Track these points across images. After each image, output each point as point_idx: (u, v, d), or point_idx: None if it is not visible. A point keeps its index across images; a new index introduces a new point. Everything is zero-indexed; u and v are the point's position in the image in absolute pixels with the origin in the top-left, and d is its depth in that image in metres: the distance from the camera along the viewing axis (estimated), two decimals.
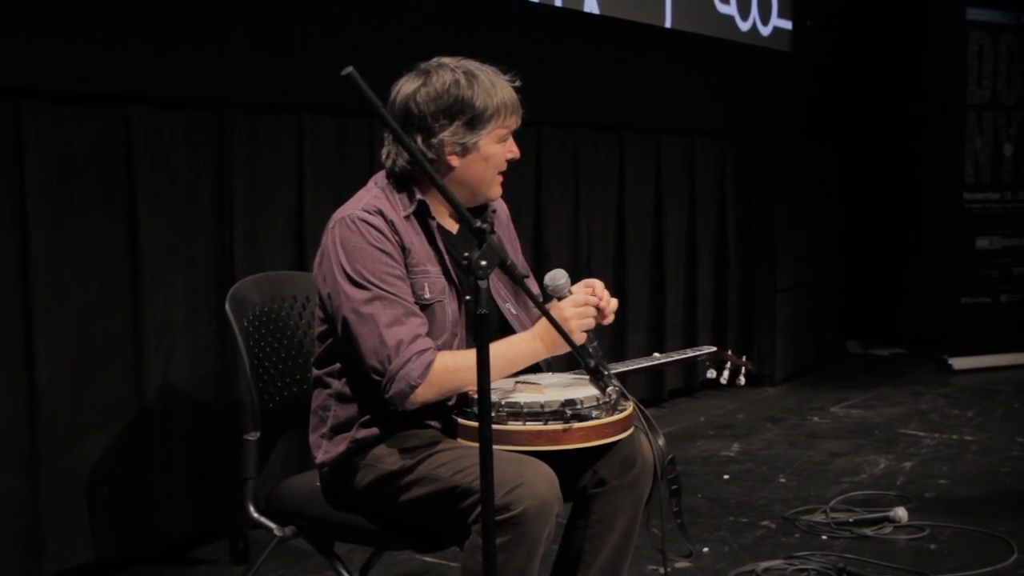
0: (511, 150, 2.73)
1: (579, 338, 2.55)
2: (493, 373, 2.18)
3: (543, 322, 2.54)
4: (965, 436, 5.71)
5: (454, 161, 2.65)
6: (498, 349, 2.50)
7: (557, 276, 2.62)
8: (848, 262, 8.02)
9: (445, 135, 2.63)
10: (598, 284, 2.65)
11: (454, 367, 2.52)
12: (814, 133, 7.54)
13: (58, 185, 3.51)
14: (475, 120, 2.64)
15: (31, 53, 3.39)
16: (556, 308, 2.57)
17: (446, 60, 2.70)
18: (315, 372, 2.73)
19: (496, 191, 2.77)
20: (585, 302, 2.59)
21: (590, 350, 2.57)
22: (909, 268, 8.41)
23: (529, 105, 2.76)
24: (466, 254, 2.18)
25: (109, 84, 3.61)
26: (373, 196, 2.65)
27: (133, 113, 3.68)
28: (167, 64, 3.75)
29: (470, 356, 2.39)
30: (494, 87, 2.66)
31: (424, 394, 2.51)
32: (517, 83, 2.73)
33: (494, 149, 2.68)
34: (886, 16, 8.23)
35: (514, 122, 2.71)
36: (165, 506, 3.82)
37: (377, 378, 2.51)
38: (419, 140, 2.64)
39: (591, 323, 2.59)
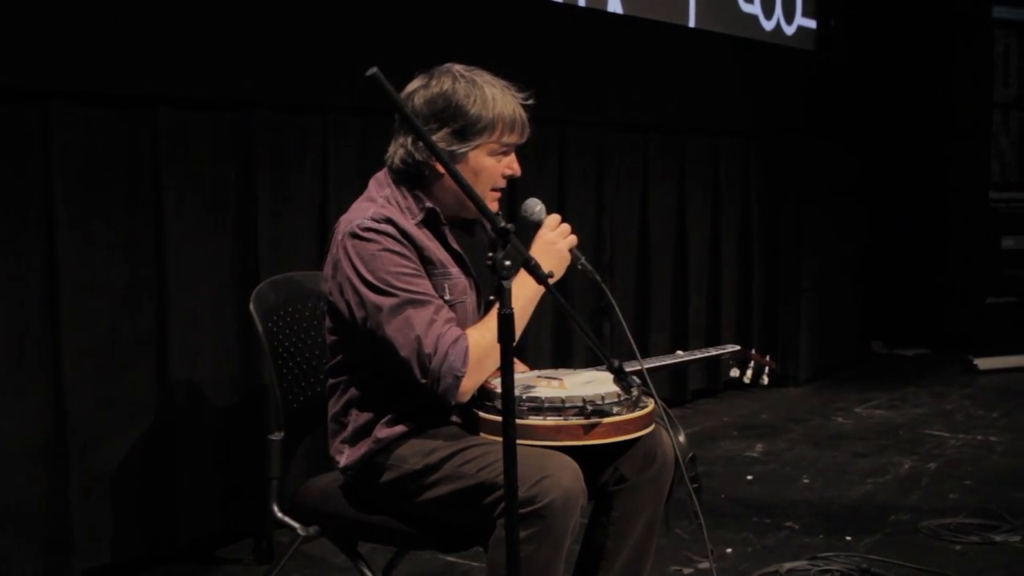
0: (510, 167, 2.69)
1: (567, 256, 2.63)
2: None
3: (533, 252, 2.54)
4: (990, 437, 5.68)
5: (441, 168, 2.57)
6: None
7: (532, 204, 2.72)
8: (873, 262, 7.98)
9: (434, 140, 2.56)
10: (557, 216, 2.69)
11: (486, 344, 2.48)
12: (839, 133, 7.51)
13: (85, 185, 3.53)
14: (466, 129, 2.60)
15: (58, 55, 3.40)
16: (539, 236, 2.65)
17: (457, 67, 2.66)
18: (331, 381, 2.73)
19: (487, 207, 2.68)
20: (559, 221, 2.67)
21: (579, 266, 2.63)
22: (934, 268, 8.37)
23: (552, 105, 2.73)
24: (490, 254, 2.17)
25: (135, 86, 3.63)
26: (380, 206, 2.61)
27: (159, 114, 3.70)
28: (192, 66, 3.77)
29: (493, 323, 2.28)
30: (494, 100, 2.61)
31: (471, 380, 2.50)
32: (530, 102, 2.68)
33: (486, 163, 2.64)
34: (911, 15, 8.19)
35: (513, 139, 2.66)
36: (190, 505, 3.84)
37: (424, 380, 2.49)
38: (409, 141, 2.61)
39: (574, 239, 2.65)
